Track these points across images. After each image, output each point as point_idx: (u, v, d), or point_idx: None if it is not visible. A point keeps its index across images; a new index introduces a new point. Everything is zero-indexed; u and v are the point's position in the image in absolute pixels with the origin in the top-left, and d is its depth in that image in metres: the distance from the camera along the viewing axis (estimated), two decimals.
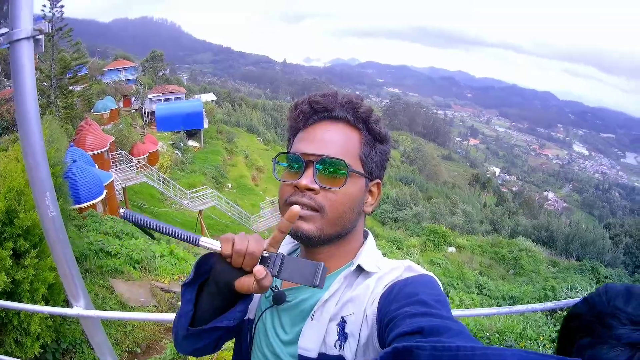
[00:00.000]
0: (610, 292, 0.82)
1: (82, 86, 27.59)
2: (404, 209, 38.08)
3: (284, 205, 0.96)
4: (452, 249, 24.27)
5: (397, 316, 0.76)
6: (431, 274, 0.91)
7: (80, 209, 13.13)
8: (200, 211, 22.65)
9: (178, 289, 8.35)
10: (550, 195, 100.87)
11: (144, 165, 24.62)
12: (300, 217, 0.92)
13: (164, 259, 10.50)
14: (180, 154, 35.81)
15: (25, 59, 1.32)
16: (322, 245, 0.97)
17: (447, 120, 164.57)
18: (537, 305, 2.12)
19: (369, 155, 0.99)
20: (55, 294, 4.75)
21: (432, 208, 41.32)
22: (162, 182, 23.25)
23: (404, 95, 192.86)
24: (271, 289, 1.00)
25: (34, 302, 4.23)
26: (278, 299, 0.99)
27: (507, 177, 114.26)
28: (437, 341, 0.62)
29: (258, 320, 1.05)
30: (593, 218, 79.64)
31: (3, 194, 4.44)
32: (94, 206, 14.31)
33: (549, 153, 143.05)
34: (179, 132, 38.81)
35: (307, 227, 0.93)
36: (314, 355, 0.89)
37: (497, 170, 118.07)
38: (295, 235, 0.94)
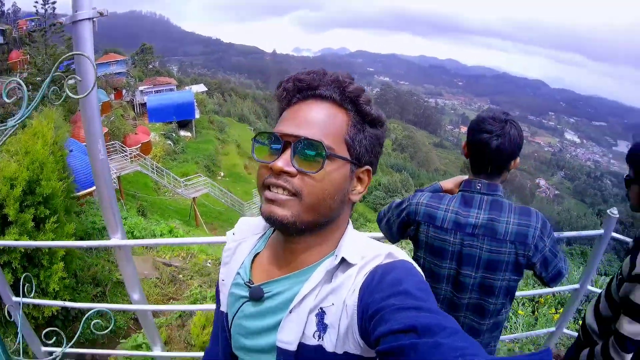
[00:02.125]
0: None
1: (74, 80, 27.70)
2: (396, 196, 38.58)
3: (261, 186, 0.91)
4: None
5: (384, 308, 0.73)
6: (411, 260, 0.89)
7: (78, 197, 13.38)
8: (194, 198, 22.98)
9: (179, 264, 8.76)
10: (542, 182, 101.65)
11: (137, 154, 24.82)
12: (275, 202, 0.87)
13: (164, 237, 10.91)
14: (172, 144, 35.99)
15: (87, 36, 1.72)
16: (300, 234, 0.92)
17: (439, 108, 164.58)
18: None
19: (357, 139, 0.92)
20: (72, 259, 5.15)
21: None
22: (156, 171, 23.53)
23: (395, 83, 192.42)
24: (246, 285, 0.99)
25: (52, 264, 4.64)
26: (255, 295, 0.96)
27: None
28: (435, 342, 0.62)
29: (235, 313, 1.02)
30: (585, 205, 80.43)
31: (26, 165, 4.86)
32: (90, 194, 14.59)
33: (540, 141, 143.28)
34: (171, 122, 39.01)
35: (281, 212, 0.87)
36: (293, 348, 0.87)
37: (540, 182, 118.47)
38: (269, 220, 0.88)
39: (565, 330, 3.25)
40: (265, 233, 1.09)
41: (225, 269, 1.09)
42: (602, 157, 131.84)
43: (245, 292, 0.99)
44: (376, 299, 0.76)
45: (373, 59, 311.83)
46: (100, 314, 2.75)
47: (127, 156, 23.98)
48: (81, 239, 6.85)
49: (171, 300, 7.00)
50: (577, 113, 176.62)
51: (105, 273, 6.63)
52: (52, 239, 4.75)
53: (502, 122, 1.67)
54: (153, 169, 23.47)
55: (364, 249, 0.91)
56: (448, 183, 1.94)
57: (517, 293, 3.32)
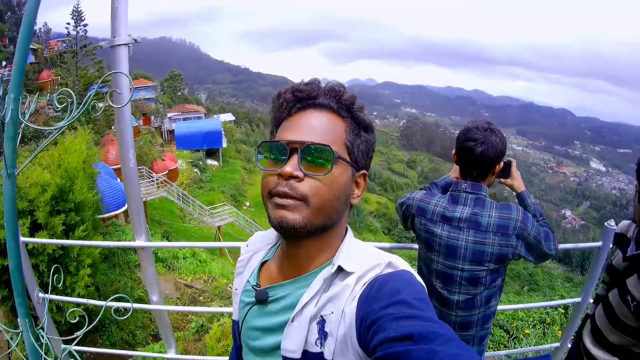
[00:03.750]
0: None
1: (103, 103, 28.67)
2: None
3: (267, 195, 0.93)
4: None
5: (381, 317, 0.75)
6: (412, 270, 0.90)
7: (104, 219, 13.74)
8: (219, 227, 23.05)
9: (200, 286, 8.94)
10: (568, 213, 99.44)
11: (164, 181, 25.10)
12: (285, 207, 0.89)
13: (186, 260, 11.11)
14: (199, 172, 36.28)
15: (123, 58, 2.02)
16: (308, 237, 0.94)
17: None
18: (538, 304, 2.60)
19: (355, 143, 0.96)
20: (96, 273, 5.35)
21: None
22: (182, 199, 23.79)
23: (421, 115, 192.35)
24: (253, 287, 1.05)
25: (78, 270, 4.84)
26: (260, 297, 1.00)
27: None
28: (430, 349, 0.64)
29: (244, 318, 1.06)
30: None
31: (59, 174, 5.18)
32: (116, 217, 14.93)
33: (566, 171, 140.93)
34: (198, 150, 39.46)
35: (292, 217, 0.89)
36: (298, 355, 0.89)
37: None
38: (280, 225, 0.90)
39: (569, 345, 3.16)
40: (277, 243, 1.13)
41: (238, 279, 1.15)
42: (628, 184, 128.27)
43: (252, 297, 1.03)
44: (375, 308, 0.78)
45: (400, 90, 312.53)
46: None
47: (153, 182, 24.20)
48: (106, 257, 7.09)
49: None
50: (602, 141, 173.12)
51: (127, 289, 6.84)
52: (79, 248, 5.00)
53: (485, 131, 1.88)
54: (179, 196, 23.67)
55: (362, 257, 0.93)
56: (454, 172, 2.17)
57: (524, 305, 3.38)
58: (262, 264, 1.11)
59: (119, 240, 9.67)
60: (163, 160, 30.70)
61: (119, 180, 17.42)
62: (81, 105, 1.67)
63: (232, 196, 34.17)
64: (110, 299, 2.43)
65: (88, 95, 1.64)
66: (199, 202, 24.61)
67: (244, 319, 1.05)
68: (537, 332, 4.87)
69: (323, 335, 0.88)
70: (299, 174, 0.89)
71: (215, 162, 40.95)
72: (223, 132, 42.68)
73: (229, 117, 59.97)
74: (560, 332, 4.70)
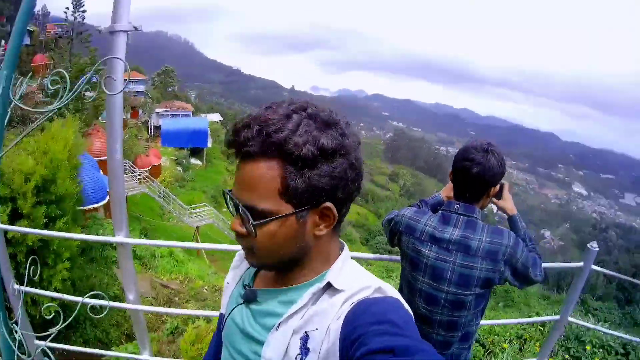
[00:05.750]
0: None
1: (93, 93, 28.38)
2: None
3: None
4: None
5: (365, 334, 0.76)
6: (400, 297, 0.90)
7: (84, 211, 13.52)
8: (197, 227, 22.87)
9: (176, 286, 8.81)
10: (547, 234, 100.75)
11: (147, 176, 24.92)
12: (244, 250, 0.97)
13: (163, 259, 10.96)
14: (182, 171, 36.03)
15: (121, 45, 1.96)
16: (276, 270, 1.01)
17: (450, 157, 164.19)
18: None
19: (295, 187, 0.86)
20: (73, 267, 5.24)
21: None
22: (163, 196, 23.62)
23: (408, 129, 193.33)
24: (245, 286, 1.06)
25: (56, 264, 4.73)
26: (249, 297, 1.02)
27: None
28: None
29: (228, 315, 1.07)
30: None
31: (44, 164, 5.04)
32: (96, 210, 14.70)
33: (548, 192, 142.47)
34: (183, 148, 39.18)
35: (250, 260, 0.97)
36: None
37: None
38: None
39: None
40: None
41: (233, 273, 1.16)
42: (609, 209, 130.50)
43: (241, 295, 1.05)
44: (359, 324, 0.79)
45: (389, 103, 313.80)
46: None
47: (136, 177, 24.07)
48: (83, 251, 6.95)
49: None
50: (586, 165, 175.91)
51: (103, 286, 6.70)
52: (59, 241, 4.87)
53: (483, 152, 1.83)
54: (160, 193, 23.54)
55: (353, 278, 0.93)
56: (445, 191, 2.16)
57: (502, 321, 3.37)
58: None
59: (97, 235, 9.51)
60: (147, 155, 30.29)
61: (101, 172, 17.21)
62: (72, 91, 1.63)
63: (212, 197, 33.81)
64: (87, 295, 2.38)
65: (80, 81, 1.60)
66: (179, 200, 24.47)
67: (229, 314, 1.06)
68: (513, 347, 4.90)
69: (305, 351, 0.87)
70: (242, 230, 0.92)
71: (199, 162, 40.62)
72: (209, 132, 42.48)
73: (216, 117, 59.47)
74: (537, 347, 4.78)
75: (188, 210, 23.39)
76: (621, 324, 18.69)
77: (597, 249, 2.74)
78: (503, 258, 1.78)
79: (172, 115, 45.04)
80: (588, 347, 4.68)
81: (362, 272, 0.97)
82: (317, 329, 0.87)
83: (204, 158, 41.36)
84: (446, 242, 1.83)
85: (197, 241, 21.91)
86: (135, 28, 1.91)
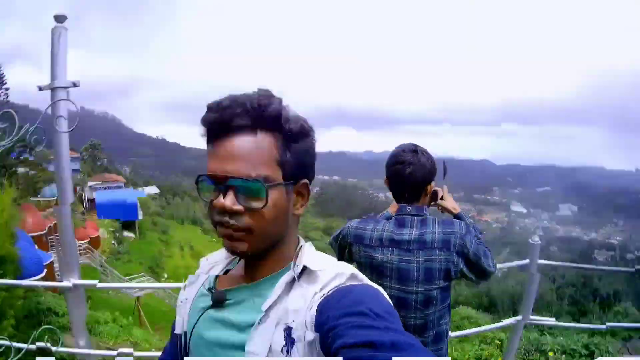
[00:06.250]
0: None
1: (26, 169, 27.54)
2: None
3: (214, 224, 0.92)
4: None
5: (339, 325, 0.73)
6: (377, 286, 0.88)
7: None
8: (138, 298, 22.18)
9: (124, 349, 8.68)
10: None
11: (87, 247, 24.30)
12: (231, 237, 0.90)
13: (107, 325, 10.78)
14: (115, 244, 35.26)
15: (62, 102, 2.20)
16: (260, 257, 0.95)
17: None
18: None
19: (286, 158, 0.90)
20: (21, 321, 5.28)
21: None
22: (102, 268, 23.08)
23: (342, 180, 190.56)
24: (209, 290, 1.00)
25: (1, 322, 4.73)
26: (218, 298, 0.97)
27: None
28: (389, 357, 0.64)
29: (195, 324, 0.99)
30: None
31: None
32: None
33: (487, 218, 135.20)
34: (118, 220, 38.49)
35: (241, 246, 0.90)
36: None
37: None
38: (232, 253, 0.94)
39: None
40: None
41: (189, 289, 1.09)
42: (551, 222, 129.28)
43: (207, 302, 0.98)
44: (331, 315, 0.77)
45: (321, 158, 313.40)
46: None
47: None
48: (26, 316, 6.82)
49: None
50: (521, 184, 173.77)
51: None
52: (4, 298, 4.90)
53: (412, 152, 1.92)
54: (102, 265, 22.96)
55: (326, 262, 0.92)
56: (392, 207, 2.14)
57: (463, 332, 3.41)
58: (224, 273, 1.08)
59: (38, 304, 9.29)
60: (84, 228, 29.38)
61: (36, 247, 16.78)
62: (14, 133, 1.86)
63: (150, 268, 33.09)
64: (40, 330, 2.44)
65: (26, 125, 1.87)
66: (117, 272, 23.97)
67: (194, 327, 0.99)
68: (476, 348, 5.01)
69: (290, 342, 0.84)
70: (239, 208, 0.87)
71: (131, 234, 39.68)
72: (139, 205, 42.06)
73: (153, 189, 58.70)
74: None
75: (126, 281, 22.84)
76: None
77: (540, 242, 2.89)
78: (455, 249, 1.82)
79: (104, 188, 44.48)
80: (551, 354, 4.63)
81: (331, 258, 0.97)
82: (293, 321, 0.84)
83: (136, 230, 40.55)
84: (406, 243, 1.86)
85: (139, 311, 21.36)
86: (74, 84, 2.22)
